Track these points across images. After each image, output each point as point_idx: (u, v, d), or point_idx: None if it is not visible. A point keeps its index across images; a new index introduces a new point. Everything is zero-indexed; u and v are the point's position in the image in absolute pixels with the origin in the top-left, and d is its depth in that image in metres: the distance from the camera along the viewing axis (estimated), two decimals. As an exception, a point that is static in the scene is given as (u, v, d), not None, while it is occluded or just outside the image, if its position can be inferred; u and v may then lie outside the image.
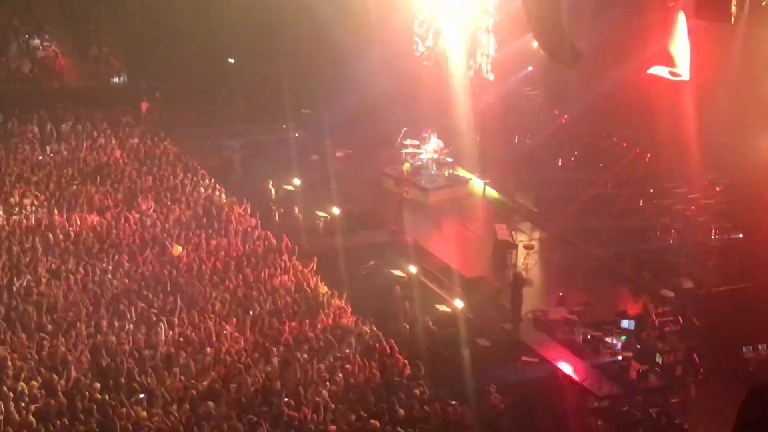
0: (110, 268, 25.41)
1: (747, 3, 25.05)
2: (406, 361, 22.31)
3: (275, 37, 41.11)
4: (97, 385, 19.96)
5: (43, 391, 19.59)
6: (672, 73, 30.94)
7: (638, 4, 31.95)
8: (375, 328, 23.59)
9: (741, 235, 29.59)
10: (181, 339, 22.13)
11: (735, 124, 29.19)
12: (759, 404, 5.39)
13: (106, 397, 19.57)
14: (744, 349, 24.56)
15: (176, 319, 22.89)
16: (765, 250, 27.71)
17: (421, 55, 40.24)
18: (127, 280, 24.85)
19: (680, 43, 30.47)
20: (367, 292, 26.96)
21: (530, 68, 38.33)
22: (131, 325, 22.47)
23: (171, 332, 22.21)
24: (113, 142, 35.75)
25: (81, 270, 25.18)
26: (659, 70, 31.37)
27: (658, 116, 31.82)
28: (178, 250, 26.06)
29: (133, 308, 23.27)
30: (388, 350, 22.59)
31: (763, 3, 25.21)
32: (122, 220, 28.52)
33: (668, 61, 31.20)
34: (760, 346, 24.47)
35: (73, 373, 20.19)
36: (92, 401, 19.39)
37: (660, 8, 31.51)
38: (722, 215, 30.51)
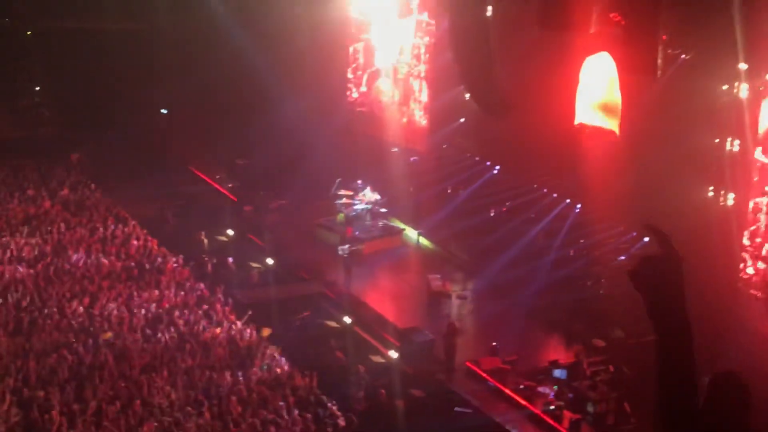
0: (39, 320, 25.05)
1: (671, 57, 25.62)
2: (340, 413, 22.24)
3: (208, 86, 41.10)
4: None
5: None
6: (601, 128, 31.36)
7: (566, 55, 32.39)
8: (309, 380, 23.50)
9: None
10: (111, 392, 21.83)
11: (662, 175, 29.66)
12: (719, 391, 5.57)
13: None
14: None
15: (106, 373, 22.60)
16: (693, 298, 28.02)
17: (355, 101, 40.67)
18: (56, 333, 24.50)
19: (610, 97, 30.92)
20: (301, 343, 26.88)
21: (462, 119, 38.71)
22: (61, 379, 22.14)
23: (101, 386, 21.91)
24: (43, 192, 35.41)
25: (9, 322, 24.80)
26: (588, 124, 31.80)
27: (587, 167, 32.23)
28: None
29: (62, 361, 22.93)
30: (322, 402, 22.52)
31: (683, 56, 25.77)
32: (52, 272, 28.19)
33: (597, 115, 31.66)
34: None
35: (1, 429, 19.82)
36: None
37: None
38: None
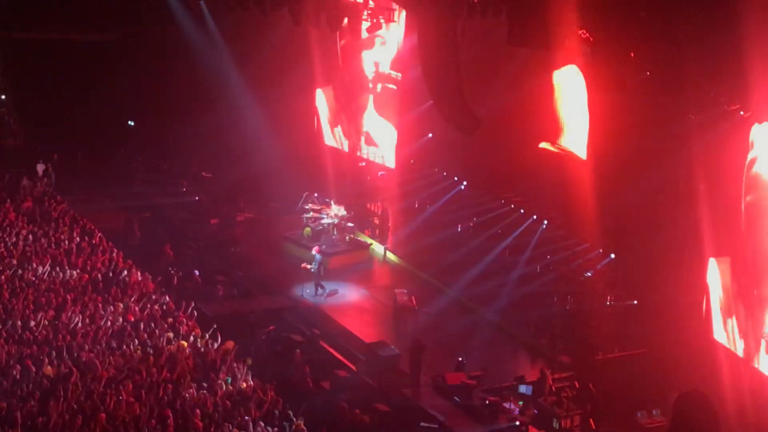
0: (3, 332, 24.80)
1: (637, 74, 25.77)
2: (305, 428, 22.16)
3: (175, 98, 40.99)
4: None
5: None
6: (564, 149, 31.48)
7: (535, 72, 32.52)
8: (275, 394, 23.39)
9: (635, 302, 30.16)
10: (75, 406, 21.62)
11: (629, 192, 29.84)
12: (687, 408, 5.62)
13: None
14: (638, 413, 25.00)
15: (70, 386, 22.38)
16: (658, 316, 28.30)
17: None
18: (20, 345, 24.26)
19: (576, 117, 31.02)
20: (266, 357, 26.80)
21: (430, 135, 38.80)
22: (24, 391, 21.91)
23: (65, 399, 21.70)
24: (8, 204, 35.09)
25: (-28, 335, 24.52)
26: (551, 149, 31.95)
27: (554, 183, 32.38)
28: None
29: (26, 374, 22.70)
30: (288, 416, 22.42)
31: (647, 73, 25.99)
32: (16, 284, 27.92)
33: (561, 135, 31.82)
34: (654, 411, 24.93)
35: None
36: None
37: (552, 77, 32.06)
38: (617, 282, 31.08)
